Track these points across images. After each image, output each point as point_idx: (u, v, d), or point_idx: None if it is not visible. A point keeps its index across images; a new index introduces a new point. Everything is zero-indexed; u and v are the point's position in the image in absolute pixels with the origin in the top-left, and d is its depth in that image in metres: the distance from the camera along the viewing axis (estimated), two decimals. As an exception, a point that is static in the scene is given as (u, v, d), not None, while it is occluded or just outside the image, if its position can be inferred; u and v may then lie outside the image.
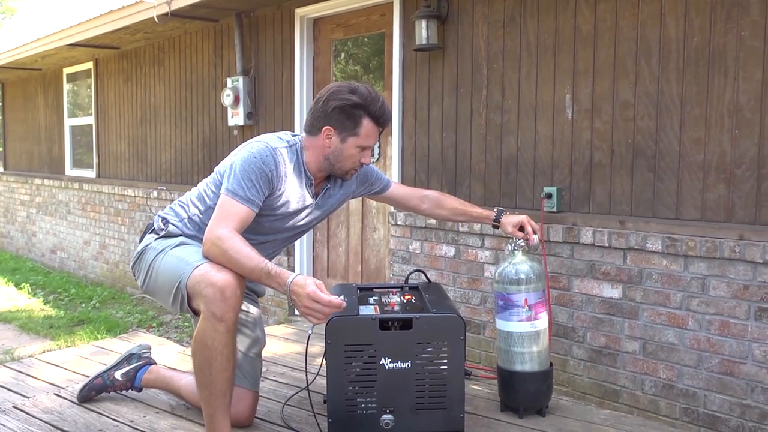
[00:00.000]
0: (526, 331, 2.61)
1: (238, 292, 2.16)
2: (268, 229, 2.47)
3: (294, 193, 2.43)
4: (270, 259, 2.64)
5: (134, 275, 2.52)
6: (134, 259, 2.50)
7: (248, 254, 2.15)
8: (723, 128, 2.67)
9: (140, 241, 2.52)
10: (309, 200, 2.49)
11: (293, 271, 4.64)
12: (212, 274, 2.14)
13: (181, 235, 2.44)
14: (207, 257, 2.23)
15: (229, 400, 2.27)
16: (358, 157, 2.42)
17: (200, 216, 2.46)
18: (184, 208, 2.51)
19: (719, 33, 2.66)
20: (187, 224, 2.47)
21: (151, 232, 2.50)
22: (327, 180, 2.55)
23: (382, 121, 2.40)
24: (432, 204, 2.85)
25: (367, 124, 2.36)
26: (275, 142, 2.38)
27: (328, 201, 2.60)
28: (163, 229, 2.46)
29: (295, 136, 2.48)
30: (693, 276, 2.72)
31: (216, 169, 2.47)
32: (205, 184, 2.49)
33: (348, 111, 2.34)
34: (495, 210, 2.77)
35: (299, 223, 2.55)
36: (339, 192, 2.63)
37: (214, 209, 2.34)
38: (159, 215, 2.53)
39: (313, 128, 2.41)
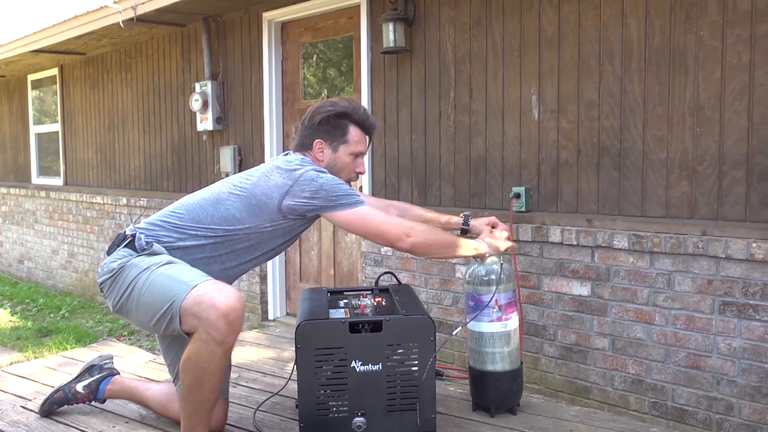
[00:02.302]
0: (497, 332, 2.63)
1: (242, 316, 2.15)
2: (282, 240, 2.48)
3: None
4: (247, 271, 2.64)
5: (103, 292, 2.37)
6: (106, 275, 2.33)
7: (440, 232, 2.47)
8: (685, 126, 2.71)
9: (109, 254, 2.37)
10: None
11: (266, 275, 4.62)
12: (214, 297, 2.09)
13: (164, 253, 2.31)
14: (415, 251, 2.42)
15: (212, 414, 2.29)
16: (352, 166, 2.51)
17: (214, 242, 2.36)
18: (191, 228, 2.36)
19: (679, 33, 2.71)
20: (189, 248, 2.35)
21: (125, 247, 2.33)
22: None
23: (366, 125, 2.50)
24: (400, 213, 2.77)
25: (353, 130, 2.48)
26: (311, 164, 2.42)
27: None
28: (145, 249, 2.30)
29: (295, 155, 2.49)
30: (659, 272, 2.77)
31: (244, 201, 2.35)
32: (221, 214, 2.35)
33: (333, 121, 2.46)
34: (462, 216, 2.77)
35: (294, 240, 2.60)
36: None
37: (246, 237, 2.36)
38: (140, 231, 2.36)
39: (304, 145, 2.50)
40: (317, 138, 2.47)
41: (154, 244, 2.33)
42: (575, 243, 3.01)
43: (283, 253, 4.67)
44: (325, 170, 2.40)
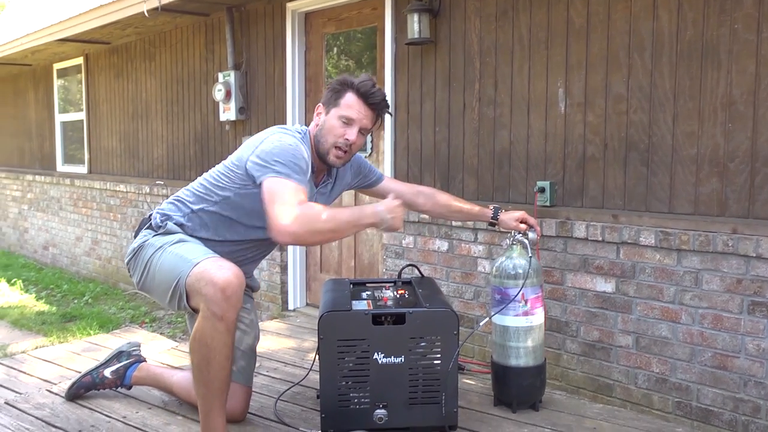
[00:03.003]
0: (522, 326, 2.61)
1: (239, 291, 2.14)
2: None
3: (307, 184, 2.41)
4: (261, 258, 2.63)
5: (129, 271, 2.49)
6: (130, 255, 2.46)
7: (338, 212, 2.23)
8: (716, 122, 2.66)
9: (135, 237, 2.48)
10: (313, 189, 2.52)
11: (286, 265, 4.63)
12: (212, 273, 2.11)
13: (179, 232, 2.40)
14: (309, 230, 2.12)
15: (225, 398, 2.25)
16: (341, 131, 2.39)
17: (208, 210, 2.41)
18: (185, 203, 2.46)
19: (712, 26, 2.65)
20: (192, 219, 2.43)
21: (147, 228, 2.45)
22: (328, 174, 2.58)
23: (363, 92, 2.39)
24: (427, 200, 2.85)
25: (349, 96, 2.41)
26: (295, 133, 2.42)
27: (327, 192, 2.61)
28: (161, 226, 2.41)
29: (303, 127, 2.54)
30: (686, 270, 2.73)
31: (228, 161, 2.42)
32: (213, 178, 2.44)
33: (336, 88, 2.44)
34: (491, 208, 2.77)
35: None
36: (337, 185, 2.66)
37: (227, 202, 2.36)
38: (157, 211, 2.48)
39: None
40: (320, 104, 2.49)
41: (168, 222, 2.41)
42: (600, 239, 2.97)
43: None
44: (296, 137, 2.35)
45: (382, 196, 2.85)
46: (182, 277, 2.19)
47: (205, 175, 2.50)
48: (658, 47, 2.81)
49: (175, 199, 2.50)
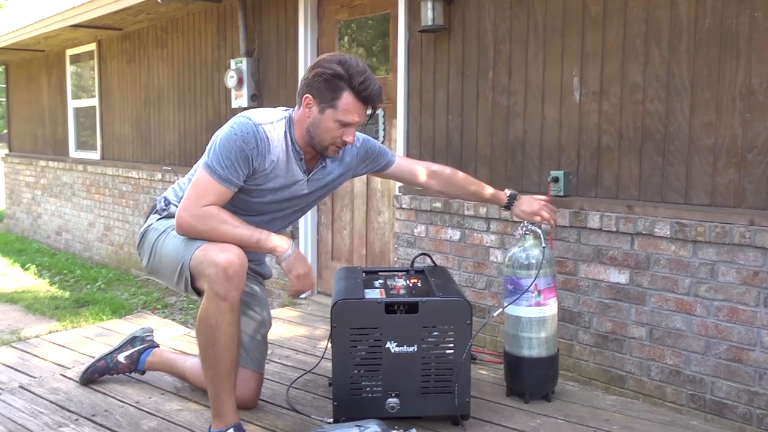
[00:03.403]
0: (535, 317, 2.60)
1: (241, 272, 2.14)
2: (260, 208, 2.41)
3: (280, 170, 2.33)
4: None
5: (139, 256, 2.51)
6: (138, 239, 2.49)
7: (239, 223, 2.20)
8: (734, 112, 2.63)
9: (145, 222, 2.51)
10: (299, 176, 2.39)
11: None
12: (214, 254, 2.12)
13: None
14: (188, 232, 2.21)
15: (234, 381, 2.26)
16: (338, 133, 2.28)
17: None
18: (181, 188, 2.48)
19: (732, 14, 2.61)
20: None
21: (154, 213, 2.49)
22: (323, 159, 2.46)
23: (364, 96, 2.24)
24: (442, 182, 2.76)
25: (347, 97, 2.23)
26: (261, 117, 2.28)
27: (324, 178, 2.49)
28: (165, 210, 2.45)
29: (287, 110, 2.40)
30: (702, 262, 2.70)
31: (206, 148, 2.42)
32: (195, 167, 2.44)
33: (329, 80, 2.22)
34: (507, 193, 2.74)
35: (295, 200, 2.47)
36: (338, 169, 2.53)
37: None
38: (162, 196, 2.52)
39: (298, 98, 2.32)
40: (308, 92, 2.26)
41: (171, 206, 2.43)
42: (614, 229, 2.95)
43: (315, 232, 4.68)
44: (258, 123, 2.24)
45: (395, 178, 2.81)
46: (186, 259, 2.20)
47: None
48: (675, 35, 2.77)
49: (177, 185, 2.53)
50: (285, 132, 2.33)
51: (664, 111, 2.82)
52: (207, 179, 2.22)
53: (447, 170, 2.81)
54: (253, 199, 2.37)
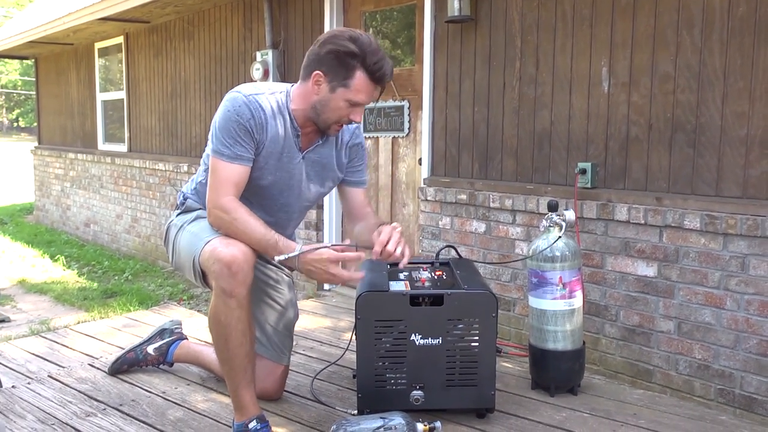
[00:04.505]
0: (560, 310, 2.57)
1: (245, 267, 2.11)
2: (264, 193, 2.34)
3: (277, 144, 2.26)
4: (281, 230, 2.55)
5: (166, 252, 2.52)
6: (164, 236, 2.51)
7: (254, 225, 2.14)
8: (768, 102, 2.57)
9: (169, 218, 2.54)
10: (296, 153, 2.32)
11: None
12: (219, 250, 2.10)
13: (198, 209, 2.41)
14: (215, 227, 2.20)
15: (251, 374, 2.24)
16: (346, 113, 2.21)
17: (202, 184, 2.41)
18: (194, 179, 2.49)
19: (766, 2, 2.54)
20: (197, 194, 2.44)
21: (175, 209, 2.51)
22: (320, 135, 2.36)
23: (378, 76, 2.17)
24: (359, 226, 2.51)
25: (360, 76, 2.15)
26: (250, 89, 2.22)
27: (319, 160, 2.39)
28: (182, 204, 2.46)
29: (283, 84, 2.34)
30: (732, 255, 2.65)
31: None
32: (205, 152, 2.42)
33: (342, 58, 2.13)
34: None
35: (295, 186, 2.37)
36: (332, 153, 2.43)
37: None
38: (181, 191, 2.52)
39: (306, 72, 2.22)
40: (318, 69, 2.17)
41: (188, 199, 2.44)
42: (643, 222, 2.90)
43: (340, 224, 4.68)
44: (248, 93, 2.18)
45: (345, 201, 2.59)
46: (196, 255, 2.20)
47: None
48: (708, 24, 2.71)
49: (192, 178, 2.53)
50: (284, 105, 2.26)
51: (696, 101, 2.77)
52: (218, 164, 2.20)
53: (372, 221, 2.46)
54: (255, 182, 2.29)
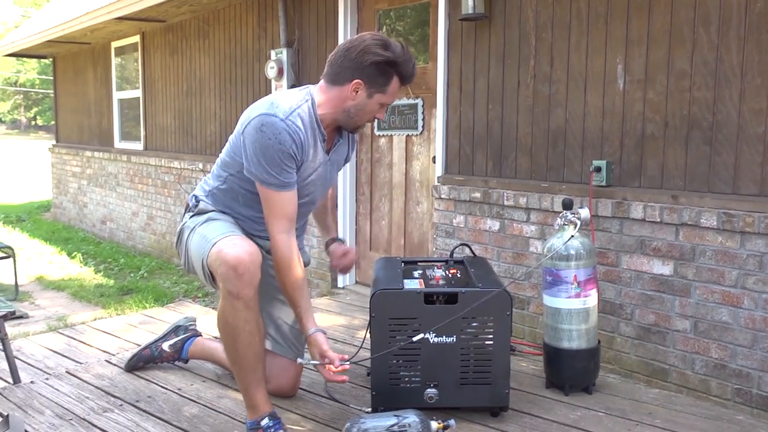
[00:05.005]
0: (575, 308, 2.56)
1: (251, 268, 2.12)
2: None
3: (313, 155, 2.33)
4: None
5: (179, 256, 2.52)
6: (176, 240, 2.51)
7: (296, 280, 2.25)
8: (786, 99, 2.54)
9: (180, 222, 2.52)
10: (323, 157, 2.38)
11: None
12: (225, 252, 2.12)
13: (211, 210, 2.41)
14: (277, 251, 2.25)
15: (261, 373, 2.26)
16: (377, 114, 2.35)
17: (219, 189, 2.43)
18: (207, 183, 2.49)
19: (785, -2, 2.52)
20: (211, 198, 2.45)
21: (187, 212, 2.50)
22: (339, 134, 2.44)
23: (408, 80, 2.33)
24: (318, 210, 2.75)
25: (395, 82, 2.28)
26: (284, 108, 2.21)
27: (339, 156, 2.51)
28: (195, 206, 2.45)
29: (303, 89, 2.36)
30: (750, 253, 2.62)
31: (230, 138, 2.39)
32: (221, 157, 2.44)
33: (382, 68, 2.23)
34: (337, 236, 2.82)
35: (320, 181, 2.45)
36: (346, 146, 2.54)
37: (228, 182, 2.37)
38: (192, 194, 2.53)
39: (339, 78, 2.27)
40: (359, 78, 2.24)
41: (201, 202, 2.44)
42: (658, 220, 2.88)
43: (354, 222, 4.69)
44: (285, 117, 2.18)
45: None
46: (204, 257, 2.20)
47: (222, 152, 2.46)
48: (725, 20, 2.69)
49: (204, 180, 2.53)
50: (310, 115, 2.28)
51: (712, 98, 2.74)
52: (269, 195, 2.24)
53: (330, 205, 2.83)
54: (302, 192, 2.37)
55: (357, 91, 2.26)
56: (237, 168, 2.33)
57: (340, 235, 4.61)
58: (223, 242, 2.17)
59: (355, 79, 2.24)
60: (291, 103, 2.25)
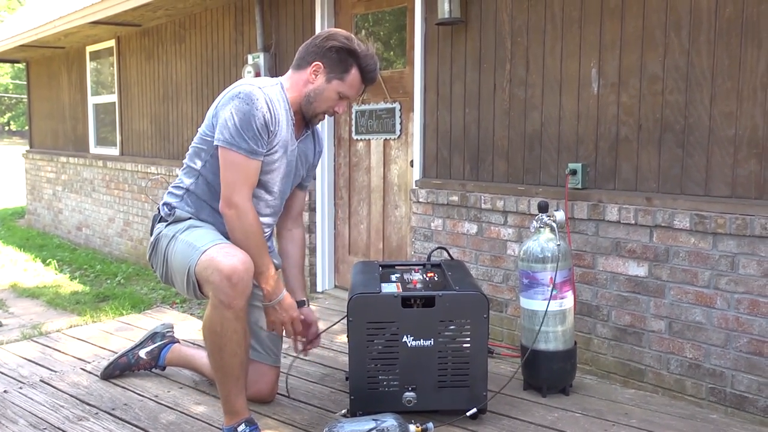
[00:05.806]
0: (551, 310, 2.58)
1: (246, 277, 2.11)
2: (267, 181, 2.39)
3: (285, 132, 2.35)
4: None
5: (152, 267, 2.47)
6: (149, 252, 2.45)
7: (262, 244, 2.24)
8: (755, 102, 2.59)
9: (151, 233, 2.47)
10: (293, 141, 2.42)
11: (314, 247, 4.65)
12: (218, 261, 2.10)
13: (189, 218, 2.38)
14: (228, 224, 2.23)
15: (243, 382, 2.26)
16: (334, 103, 2.39)
17: (191, 192, 2.40)
18: (178, 187, 2.45)
19: (753, 2, 2.57)
20: (188, 201, 2.41)
21: (159, 222, 2.44)
22: (306, 127, 2.50)
23: (369, 77, 2.38)
24: (286, 240, 2.68)
25: (354, 73, 2.35)
26: (260, 84, 2.28)
27: (304, 151, 2.51)
28: (170, 215, 2.40)
29: (273, 79, 2.43)
30: (722, 254, 2.67)
31: (199, 131, 2.40)
32: (189, 153, 2.44)
33: (342, 54, 2.32)
34: (300, 299, 2.59)
35: (291, 172, 2.46)
36: (311, 148, 2.57)
37: (201, 178, 2.35)
38: (162, 203, 2.48)
39: (302, 62, 2.37)
40: (319, 61, 2.33)
41: (175, 209, 2.41)
42: (633, 222, 2.92)
43: (332, 226, 4.69)
44: (261, 86, 2.24)
45: (291, 200, 2.66)
46: (192, 265, 2.18)
47: (189, 149, 2.46)
48: (695, 25, 2.73)
49: (172, 186, 2.49)
50: (282, 96, 2.35)
51: (684, 102, 2.79)
52: (236, 158, 2.21)
53: (299, 239, 2.69)
54: (268, 173, 2.35)
55: (316, 75, 2.35)
56: (211, 152, 2.32)
57: (318, 246, 4.62)
58: (214, 250, 2.15)
59: (315, 62, 2.34)
60: (265, 82, 2.33)
